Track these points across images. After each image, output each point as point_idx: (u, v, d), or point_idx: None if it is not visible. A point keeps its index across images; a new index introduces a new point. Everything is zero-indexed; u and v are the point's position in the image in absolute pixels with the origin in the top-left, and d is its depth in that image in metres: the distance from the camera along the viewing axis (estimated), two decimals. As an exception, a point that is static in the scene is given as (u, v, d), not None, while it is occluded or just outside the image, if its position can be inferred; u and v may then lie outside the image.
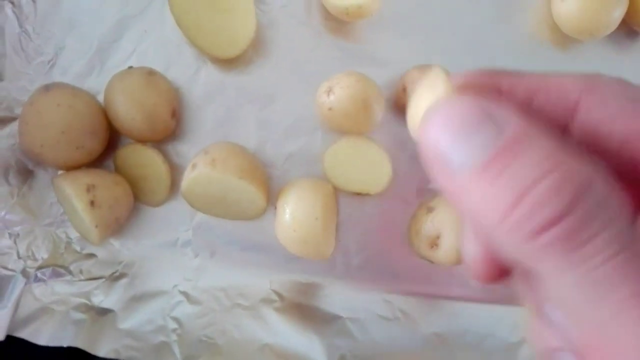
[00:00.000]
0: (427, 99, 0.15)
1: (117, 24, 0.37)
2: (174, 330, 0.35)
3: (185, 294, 0.36)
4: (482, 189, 0.13)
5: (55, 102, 0.32)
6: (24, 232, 0.36)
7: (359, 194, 0.36)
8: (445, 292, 0.37)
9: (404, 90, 0.36)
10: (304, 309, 0.36)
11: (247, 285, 0.36)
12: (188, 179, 0.33)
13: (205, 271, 0.37)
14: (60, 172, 0.35)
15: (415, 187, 0.37)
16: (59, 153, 0.33)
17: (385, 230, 0.37)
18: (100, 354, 0.34)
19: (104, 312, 0.35)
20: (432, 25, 0.38)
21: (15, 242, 0.35)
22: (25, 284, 0.35)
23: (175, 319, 0.35)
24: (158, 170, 0.35)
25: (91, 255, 0.37)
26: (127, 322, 0.35)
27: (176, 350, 0.34)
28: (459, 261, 0.34)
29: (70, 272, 0.36)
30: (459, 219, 0.33)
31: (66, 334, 0.34)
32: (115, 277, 0.36)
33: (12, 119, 0.36)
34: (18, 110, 0.36)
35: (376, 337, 0.36)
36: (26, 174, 0.36)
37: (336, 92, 0.34)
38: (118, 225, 0.35)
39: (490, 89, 0.15)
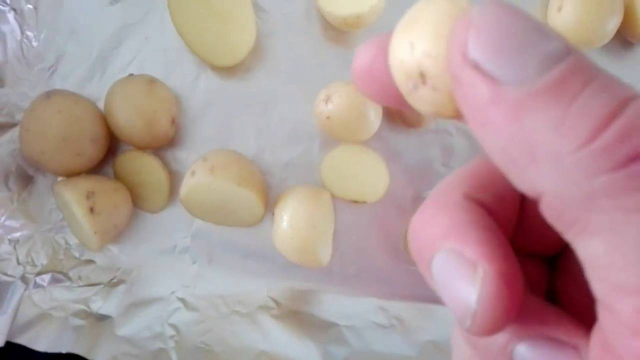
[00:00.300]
0: (436, 11, 0.12)
1: (117, 31, 0.37)
2: (171, 336, 0.35)
3: (183, 300, 0.36)
4: (549, 111, 0.10)
5: (56, 108, 0.32)
6: (24, 238, 0.36)
7: (355, 202, 0.37)
8: (441, 299, 0.37)
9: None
10: (300, 316, 0.36)
11: (245, 292, 0.37)
12: (187, 185, 0.33)
13: (203, 278, 0.37)
14: (60, 178, 0.35)
15: (411, 195, 0.37)
16: (59, 159, 0.33)
17: (381, 238, 0.37)
18: (98, 360, 0.34)
19: (102, 318, 0.35)
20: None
21: (14, 248, 0.36)
22: (25, 290, 0.35)
23: (173, 326, 0.35)
24: (157, 177, 0.36)
25: (90, 262, 0.37)
26: (125, 329, 0.35)
27: (174, 357, 0.34)
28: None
29: (69, 278, 0.36)
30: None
31: (65, 340, 0.34)
32: (113, 284, 0.36)
33: (13, 125, 0.36)
34: (19, 117, 0.36)
35: (372, 344, 0.36)
36: (26, 180, 0.36)
37: (334, 101, 0.34)
38: (117, 231, 0.35)
39: None
